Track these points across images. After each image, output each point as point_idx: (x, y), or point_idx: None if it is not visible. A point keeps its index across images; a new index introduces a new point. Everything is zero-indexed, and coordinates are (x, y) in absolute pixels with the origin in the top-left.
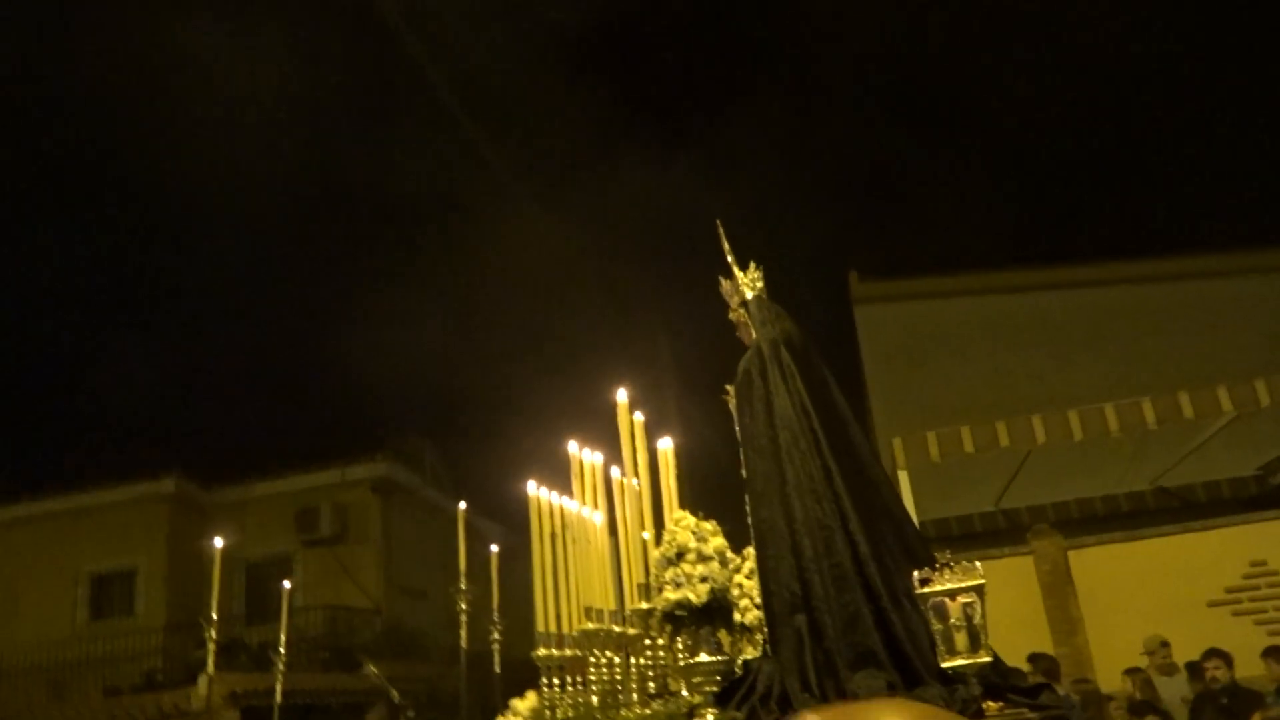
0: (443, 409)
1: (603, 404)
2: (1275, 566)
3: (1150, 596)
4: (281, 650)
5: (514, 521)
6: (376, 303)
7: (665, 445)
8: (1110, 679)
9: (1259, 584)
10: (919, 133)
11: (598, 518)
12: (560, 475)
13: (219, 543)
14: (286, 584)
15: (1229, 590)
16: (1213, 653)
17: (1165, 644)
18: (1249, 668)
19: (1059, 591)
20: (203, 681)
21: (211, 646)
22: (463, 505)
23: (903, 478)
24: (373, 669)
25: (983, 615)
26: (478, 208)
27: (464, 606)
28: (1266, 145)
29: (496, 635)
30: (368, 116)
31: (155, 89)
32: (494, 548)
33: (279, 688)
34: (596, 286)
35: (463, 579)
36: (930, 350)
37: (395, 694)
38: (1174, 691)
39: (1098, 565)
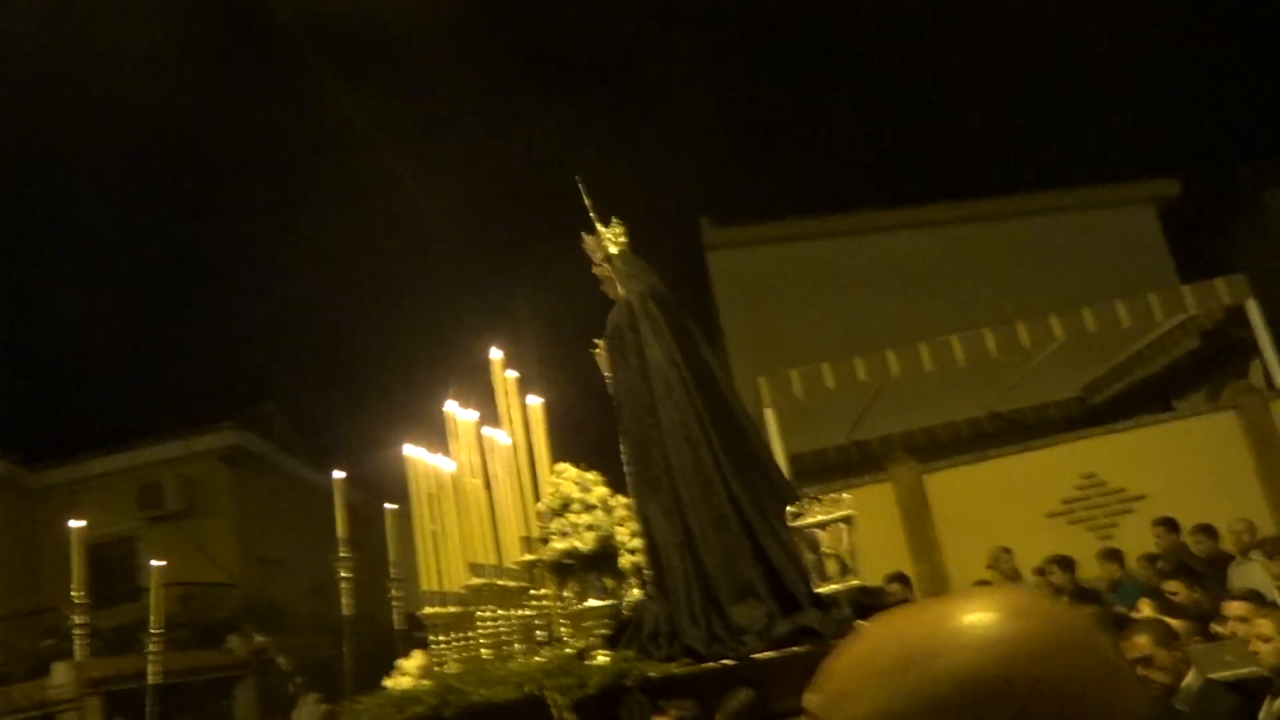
0: (297, 373)
1: (466, 363)
2: (1103, 478)
3: (996, 513)
4: (154, 631)
5: (373, 486)
6: (226, 260)
7: (534, 401)
8: None
9: (1089, 494)
10: (773, 79)
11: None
12: (427, 436)
13: (75, 524)
14: (155, 563)
15: (1065, 502)
16: (1053, 560)
17: (1006, 551)
18: (1088, 570)
19: (916, 514)
20: (59, 670)
21: (82, 632)
22: (340, 474)
23: (768, 415)
24: (236, 641)
25: (851, 543)
26: (339, 159)
27: (345, 574)
28: (1097, 89)
29: (396, 594)
30: (218, 58)
31: None
32: (389, 506)
33: (153, 670)
34: (461, 244)
35: (343, 546)
36: (782, 293)
37: (283, 661)
38: None
39: (949, 487)
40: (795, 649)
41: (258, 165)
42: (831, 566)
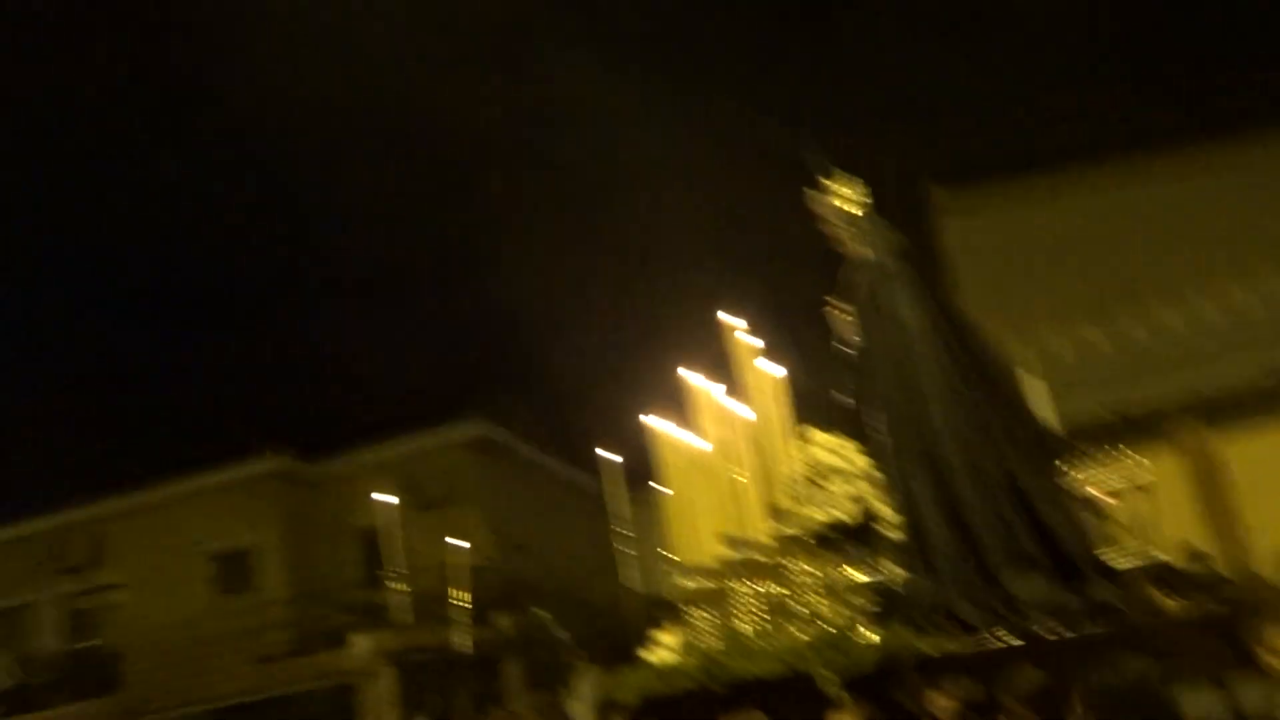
0: (532, 363)
1: (701, 338)
2: None
3: None
4: (456, 602)
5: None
6: (458, 258)
7: (775, 370)
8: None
9: None
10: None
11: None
12: (667, 412)
13: (385, 498)
14: (454, 541)
15: None
16: None
17: None
18: None
19: (1210, 483)
20: (358, 640)
21: (402, 600)
22: (616, 458)
23: (1035, 382)
24: (542, 613)
25: (1147, 511)
26: (568, 135)
27: (630, 551)
28: None
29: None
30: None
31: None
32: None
33: (458, 639)
34: (686, 214)
35: (624, 524)
36: (1024, 257)
37: (563, 633)
38: None
39: (1253, 454)
40: (1096, 627)
41: (492, 151)
42: (1124, 537)
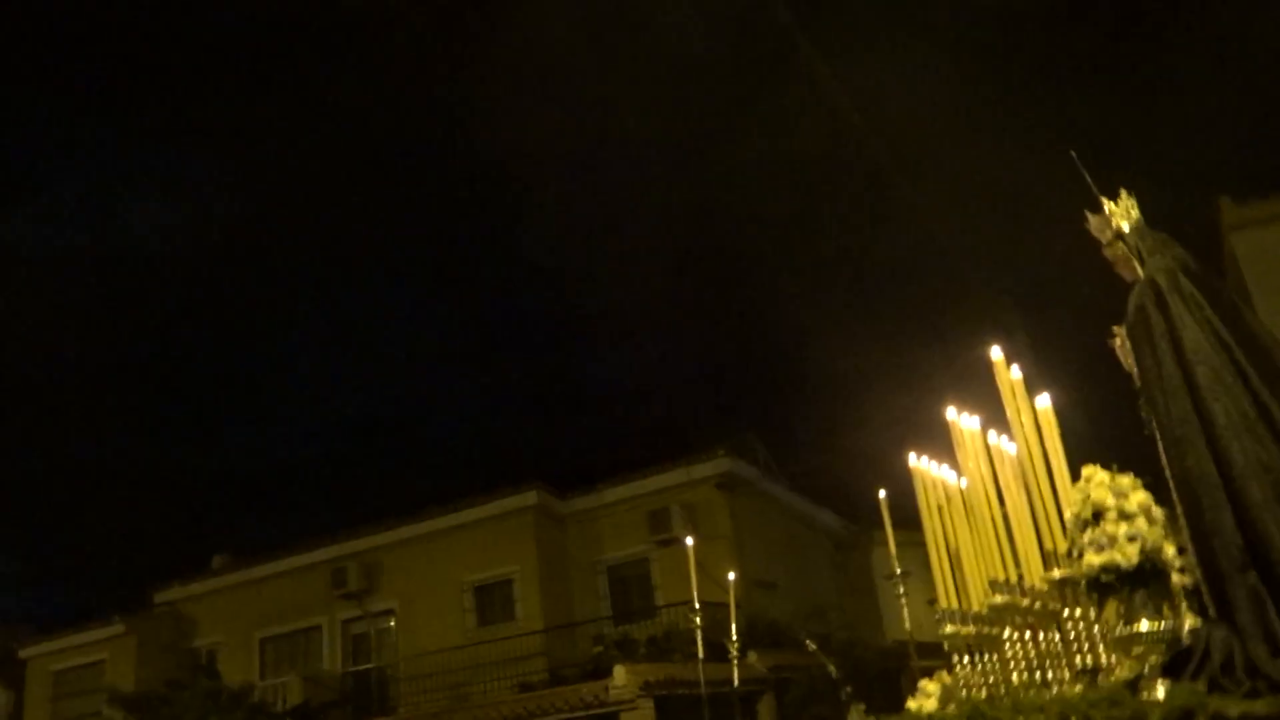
0: (777, 400)
1: (963, 368)
2: None
3: None
4: (734, 638)
5: (846, 509)
6: (716, 296)
7: (1044, 403)
8: None
9: None
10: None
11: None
12: (928, 448)
13: (690, 541)
14: (731, 575)
15: None
16: None
17: None
18: None
19: None
20: (620, 672)
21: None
22: (883, 494)
23: None
24: (811, 644)
25: None
26: (832, 176)
27: (902, 592)
28: None
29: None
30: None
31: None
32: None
33: (736, 672)
34: (949, 244)
35: (896, 567)
36: None
37: (833, 669)
38: None
39: None
40: None
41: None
42: None
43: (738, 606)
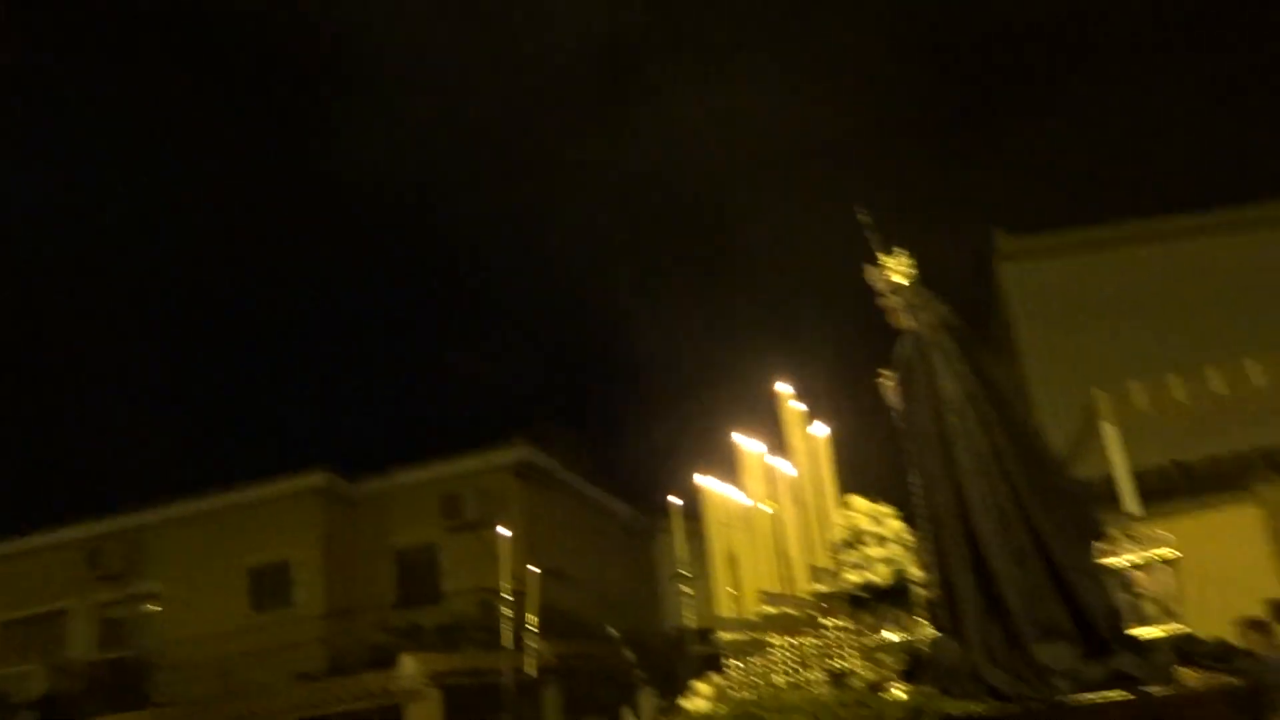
0: (575, 394)
1: (753, 393)
2: None
3: None
4: (533, 629)
5: (643, 503)
6: (498, 297)
7: (820, 432)
8: None
9: None
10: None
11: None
12: (707, 462)
13: (506, 533)
14: (534, 569)
15: None
16: None
17: None
18: None
19: None
20: (407, 662)
21: (532, 624)
22: (678, 501)
23: (1105, 430)
24: (614, 632)
25: (1176, 584)
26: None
27: (688, 591)
28: None
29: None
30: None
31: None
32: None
33: (529, 662)
34: (753, 273)
35: (682, 566)
36: (1084, 305)
37: (630, 654)
38: None
39: None
40: (1110, 695)
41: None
42: (1151, 609)
43: (517, 594)
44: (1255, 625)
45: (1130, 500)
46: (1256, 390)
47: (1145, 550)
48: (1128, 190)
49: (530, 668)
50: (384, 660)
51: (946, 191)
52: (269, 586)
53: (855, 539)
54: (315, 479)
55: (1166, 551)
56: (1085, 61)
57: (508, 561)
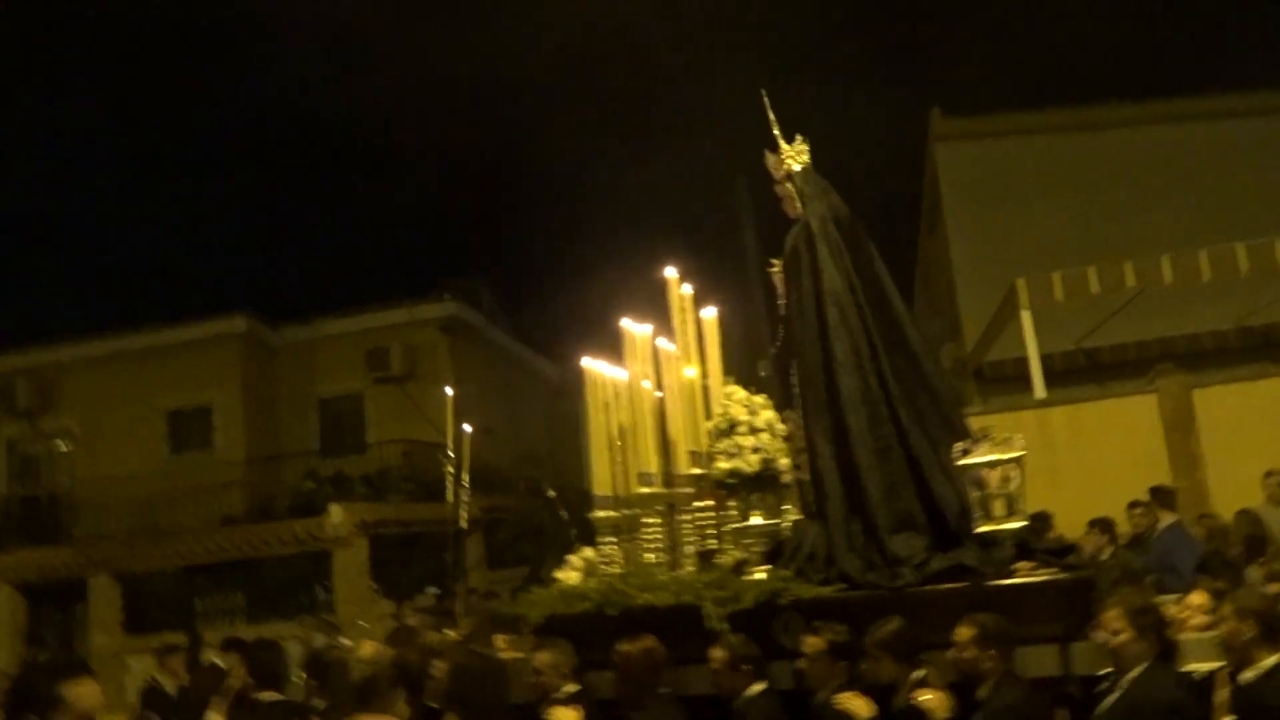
0: (499, 251)
1: (657, 256)
2: None
3: (1274, 436)
4: (465, 482)
5: (567, 362)
6: (426, 145)
7: (709, 314)
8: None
9: None
10: None
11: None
12: (613, 322)
13: (450, 391)
14: (466, 427)
15: None
16: None
17: (1271, 474)
18: None
19: (1180, 428)
20: (335, 511)
21: (461, 475)
22: (593, 363)
23: (1025, 317)
24: (551, 491)
25: (1020, 483)
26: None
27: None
28: None
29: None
30: None
31: None
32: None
33: (462, 515)
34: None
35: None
36: (1012, 190)
37: (564, 513)
38: None
39: (1221, 403)
40: (949, 585)
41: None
42: (998, 506)
43: (455, 451)
44: (1098, 524)
45: (1038, 383)
46: (1167, 285)
47: (999, 450)
48: (1064, 78)
49: (462, 521)
50: (308, 508)
51: (895, 72)
52: (188, 430)
53: (729, 427)
54: (236, 323)
55: (1016, 453)
56: None
57: (450, 419)
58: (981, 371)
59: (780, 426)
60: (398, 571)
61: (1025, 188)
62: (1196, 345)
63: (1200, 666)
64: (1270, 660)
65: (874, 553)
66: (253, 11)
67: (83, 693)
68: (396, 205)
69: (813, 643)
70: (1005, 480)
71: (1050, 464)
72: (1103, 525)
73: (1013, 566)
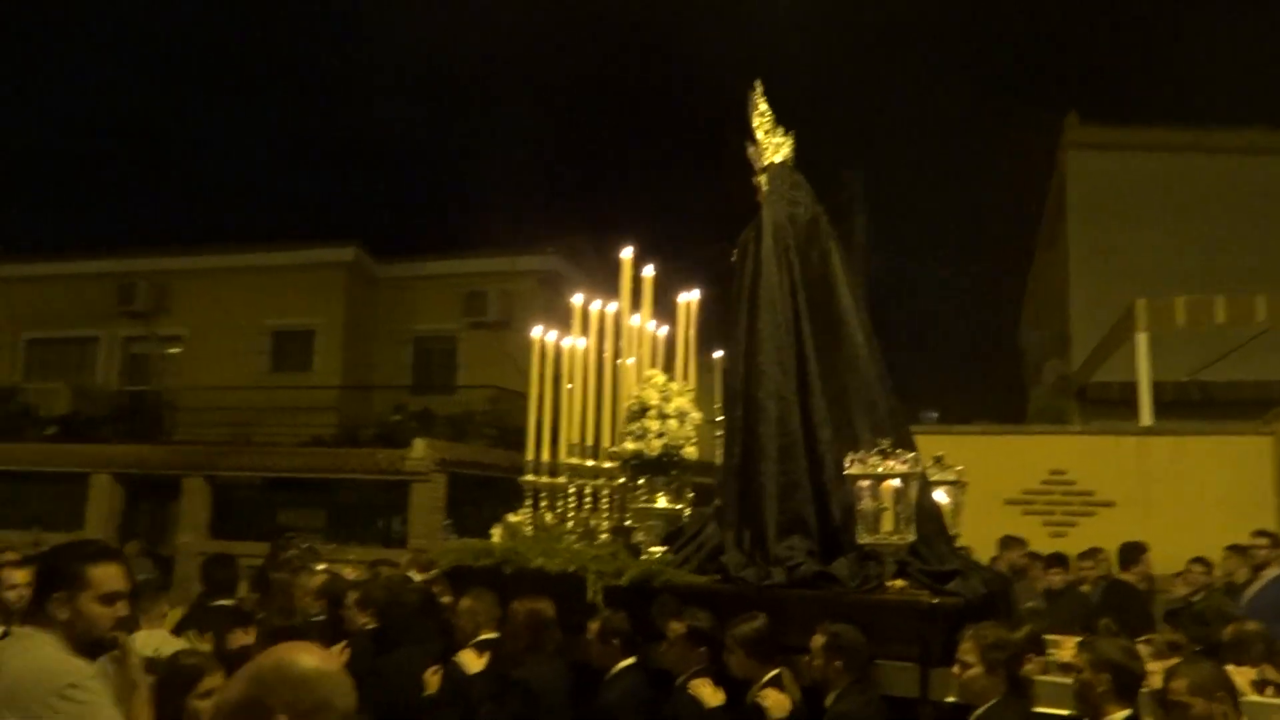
0: (608, 213)
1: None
2: None
3: None
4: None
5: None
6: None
7: (686, 298)
8: None
9: None
10: None
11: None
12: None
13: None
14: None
15: None
16: None
17: None
18: None
19: None
20: (419, 445)
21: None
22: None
23: (1140, 339)
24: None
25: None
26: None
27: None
28: None
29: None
30: None
31: None
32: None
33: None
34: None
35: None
36: (1141, 207)
37: None
38: None
39: None
40: (813, 591)
41: None
42: (887, 520)
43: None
44: (1010, 541)
45: (1145, 409)
46: None
47: (893, 467)
48: (1214, 97)
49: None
50: (393, 439)
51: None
52: (290, 350)
53: (641, 410)
54: (345, 252)
55: (906, 469)
56: None
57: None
58: (1085, 391)
59: (695, 415)
60: (470, 513)
61: (1154, 206)
62: None
63: (1052, 711)
64: (1120, 715)
65: (757, 550)
66: None
67: (107, 573)
68: (513, 159)
69: (674, 627)
70: (899, 495)
71: (1145, 494)
72: (1205, 564)
73: (887, 584)
